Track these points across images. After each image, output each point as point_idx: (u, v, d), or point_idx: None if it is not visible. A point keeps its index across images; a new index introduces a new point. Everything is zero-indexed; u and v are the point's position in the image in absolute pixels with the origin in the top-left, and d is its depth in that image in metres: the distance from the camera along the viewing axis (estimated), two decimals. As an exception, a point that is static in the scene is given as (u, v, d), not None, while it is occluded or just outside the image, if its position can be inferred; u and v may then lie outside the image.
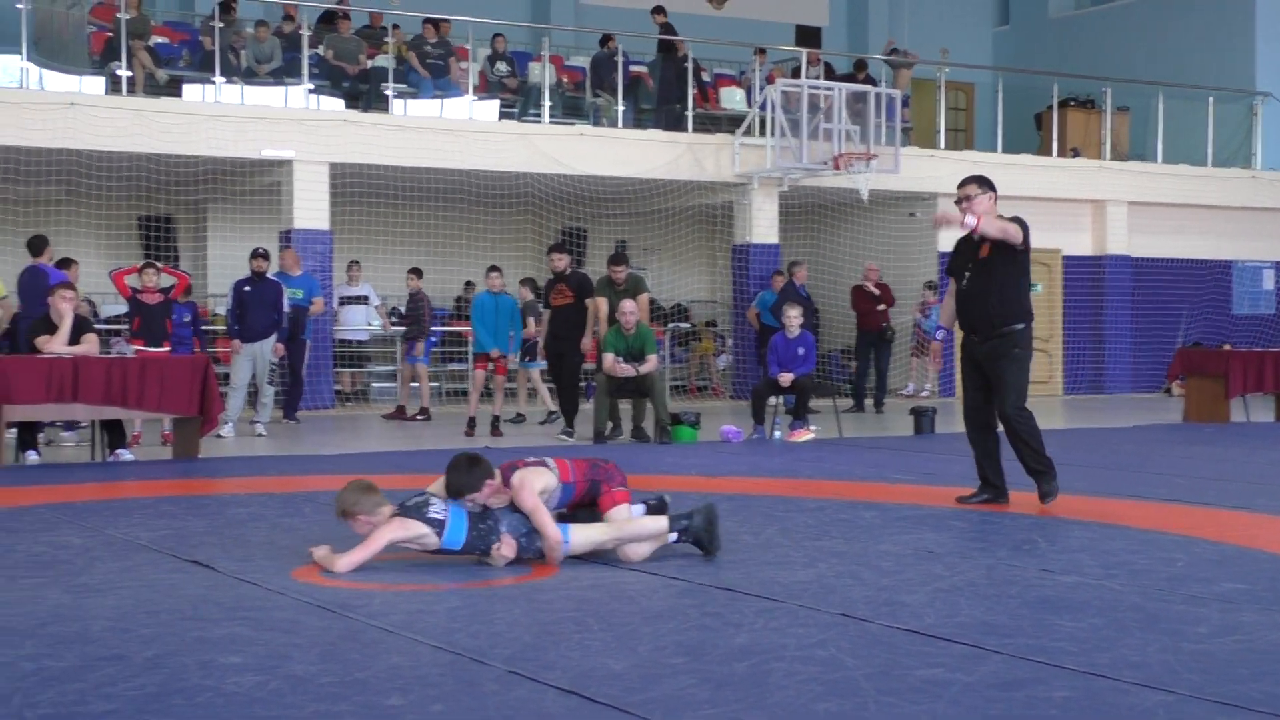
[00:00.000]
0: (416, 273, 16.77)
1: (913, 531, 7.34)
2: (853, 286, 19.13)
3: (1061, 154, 22.81)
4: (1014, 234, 8.16)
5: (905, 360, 21.56)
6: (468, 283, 20.95)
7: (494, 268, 14.83)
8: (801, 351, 13.84)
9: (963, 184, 8.42)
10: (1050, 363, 22.65)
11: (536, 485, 6.25)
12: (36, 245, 13.78)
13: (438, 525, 6.10)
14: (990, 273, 8.29)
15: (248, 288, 14.27)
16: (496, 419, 14.40)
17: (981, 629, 4.90)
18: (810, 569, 6.15)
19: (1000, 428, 8.44)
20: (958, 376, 9.11)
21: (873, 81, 21.10)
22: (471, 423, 14.29)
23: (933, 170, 21.13)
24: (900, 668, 4.37)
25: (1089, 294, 22.78)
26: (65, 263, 14.35)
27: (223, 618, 5.12)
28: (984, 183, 8.37)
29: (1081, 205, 22.62)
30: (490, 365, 14.28)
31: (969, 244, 8.46)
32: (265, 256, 14.46)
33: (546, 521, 6.19)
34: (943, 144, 22.13)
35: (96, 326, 12.66)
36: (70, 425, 13.58)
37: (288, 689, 4.13)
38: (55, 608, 5.31)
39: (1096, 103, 23.72)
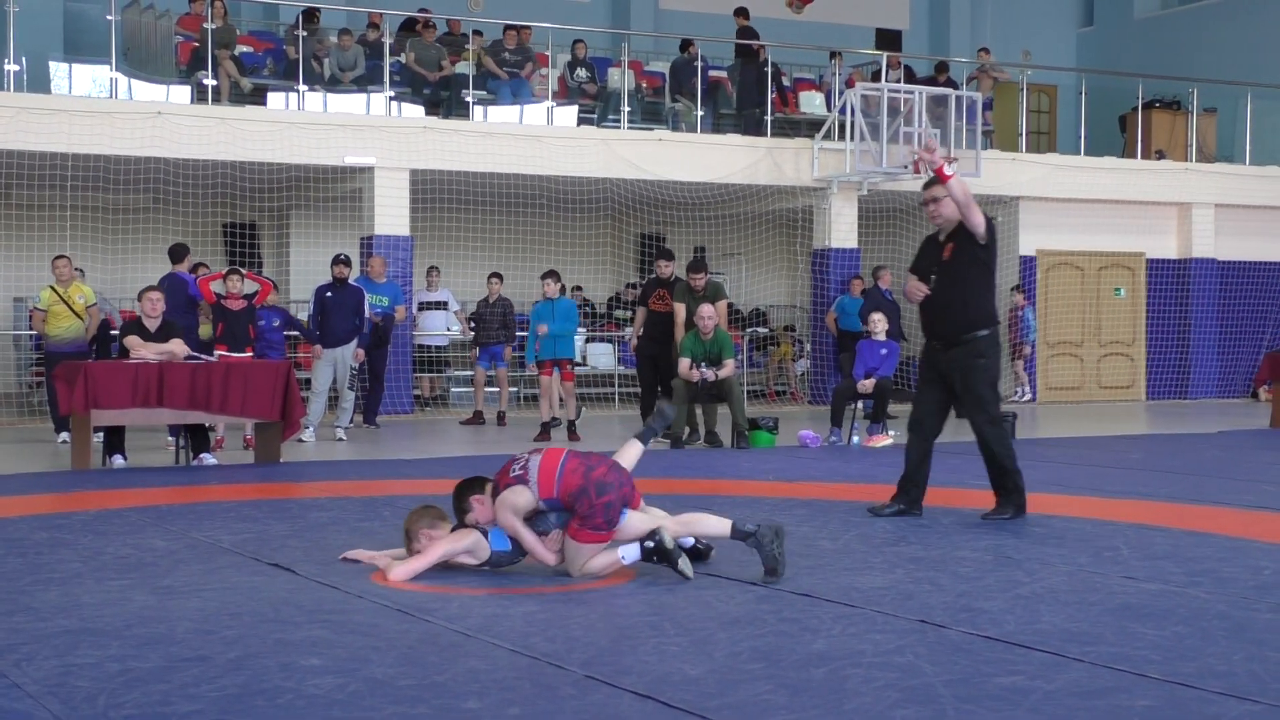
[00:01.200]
0: (498, 277, 16.76)
1: (992, 537, 7.27)
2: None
3: (1146, 156, 22.51)
4: (977, 218, 7.79)
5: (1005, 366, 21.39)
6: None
7: (549, 273, 14.76)
8: (884, 353, 13.80)
9: (929, 185, 8.09)
10: (1133, 367, 22.37)
11: (516, 504, 6.05)
12: (177, 253, 14.06)
13: (483, 531, 6.14)
14: (954, 276, 7.97)
15: (329, 293, 14.41)
16: (572, 424, 14.44)
17: (1062, 636, 4.85)
18: (888, 574, 6.12)
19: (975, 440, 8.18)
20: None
21: (954, 84, 20.94)
22: (545, 427, 14.34)
23: (1015, 173, 20.95)
24: (979, 675, 4.33)
25: (1174, 298, 22.46)
26: (194, 266, 14.57)
27: (303, 620, 5.17)
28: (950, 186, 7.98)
29: (1167, 208, 22.31)
30: (556, 371, 14.35)
31: (934, 245, 8.17)
32: (346, 263, 14.59)
33: (530, 543, 6.08)
34: (1024, 147, 21.92)
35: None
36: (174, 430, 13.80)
37: (367, 691, 4.16)
38: (141, 609, 5.39)
39: (1182, 104, 23.39)
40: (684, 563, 5.96)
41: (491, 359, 16.43)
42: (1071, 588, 5.81)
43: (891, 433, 13.79)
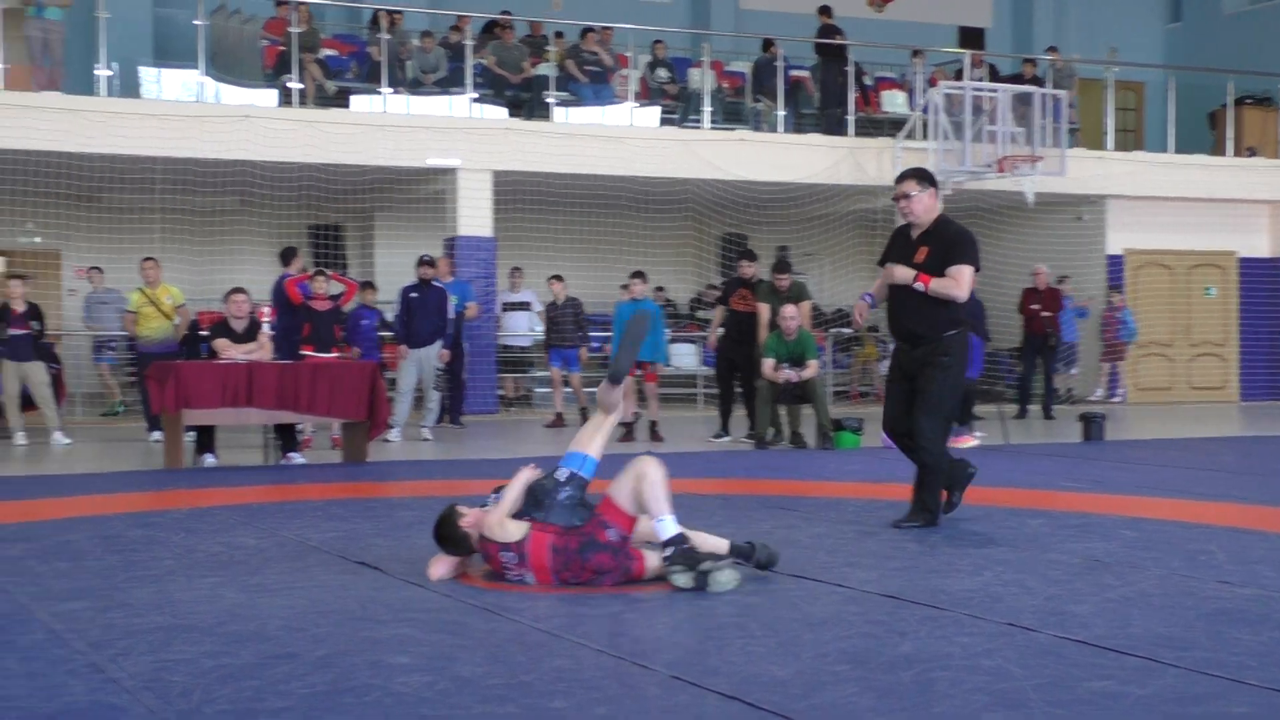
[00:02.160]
0: (559, 279, 16.58)
1: (1081, 540, 7.19)
2: (1024, 289, 18.73)
3: (1237, 153, 22.15)
4: (959, 292, 7.47)
5: (1094, 366, 21.14)
6: (623, 287, 21.04)
7: (636, 274, 14.77)
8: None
9: (901, 179, 7.74)
10: (1225, 368, 22.02)
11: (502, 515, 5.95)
12: (287, 255, 14.24)
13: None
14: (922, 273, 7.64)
15: (414, 294, 14.52)
16: (654, 424, 14.45)
17: (1155, 641, 4.78)
18: (976, 577, 6.06)
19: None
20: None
21: (1038, 82, 20.72)
22: (627, 427, 14.37)
23: (1101, 172, 20.70)
24: (1070, 679, 4.27)
25: (1266, 297, 22.08)
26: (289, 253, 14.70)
27: (391, 619, 5.21)
28: (924, 178, 7.72)
29: (1258, 206, 21.94)
30: (639, 372, 14.36)
31: (905, 240, 7.83)
32: (431, 264, 14.70)
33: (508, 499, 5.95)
34: (1111, 145, 21.65)
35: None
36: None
37: (454, 689, 4.19)
38: (232, 606, 5.46)
39: (1274, 100, 22.99)
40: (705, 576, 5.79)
41: (565, 361, 16.32)
42: (1164, 592, 5.73)
43: (978, 434, 13.68)
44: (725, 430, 14.36)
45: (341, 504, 9.00)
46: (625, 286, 14.85)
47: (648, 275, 15.19)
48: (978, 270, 7.65)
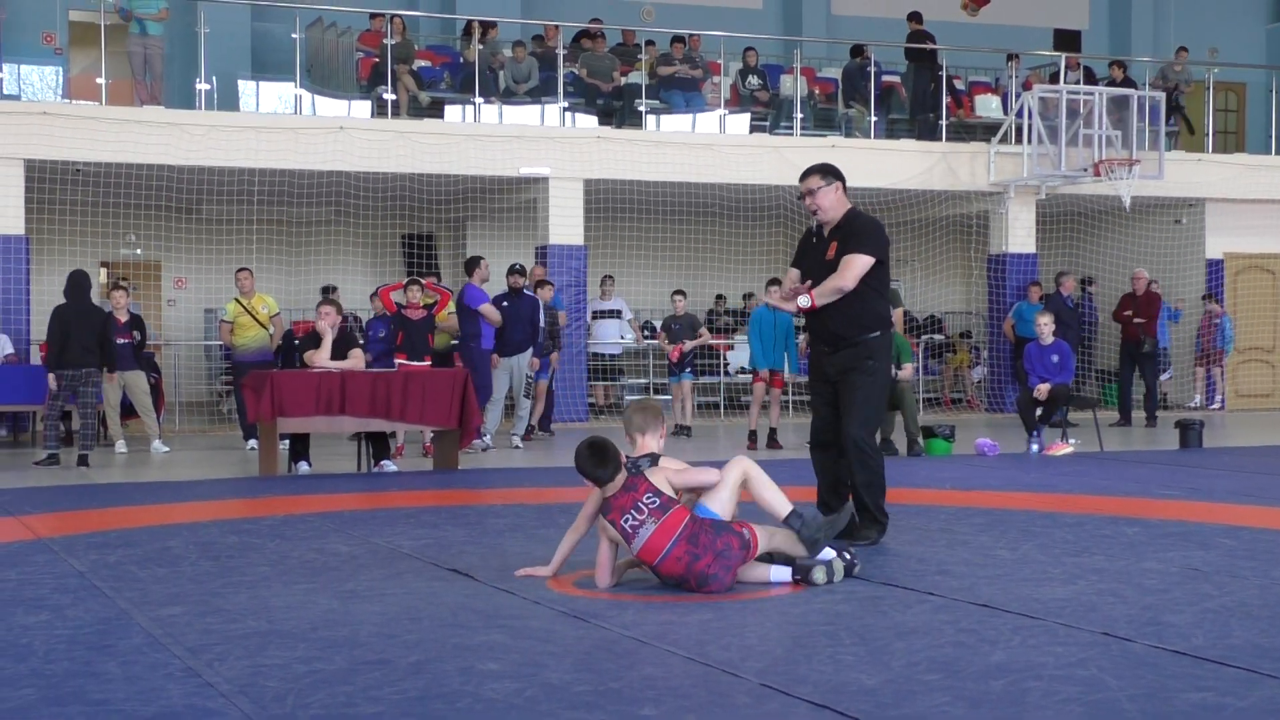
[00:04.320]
0: (682, 294, 16.35)
1: (1178, 549, 7.07)
2: (1122, 295, 18.45)
3: (1343, 155, 21.69)
4: (844, 282, 7.12)
5: (1189, 372, 20.81)
6: (718, 296, 21.05)
7: (773, 280, 14.74)
8: (1056, 359, 13.51)
9: (805, 175, 7.42)
10: (1275, 376, 21.55)
11: (605, 549, 6.05)
12: (469, 265, 14.41)
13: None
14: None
15: (505, 303, 14.60)
16: (773, 432, 14.40)
17: (1255, 652, 4.69)
18: (1069, 586, 5.99)
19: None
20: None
21: (1133, 84, 20.44)
22: (752, 436, 14.36)
23: (1200, 175, 20.37)
24: (1167, 690, 4.21)
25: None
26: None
27: (481, 625, 5.24)
28: (829, 172, 7.40)
29: (1363, 208, 21.47)
30: (769, 377, 14.36)
31: (814, 242, 7.52)
32: (522, 272, 14.76)
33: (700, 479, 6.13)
34: (1210, 147, 21.28)
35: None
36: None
37: (543, 696, 4.20)
38: (325, 612, 5.52)
39: (1379, 100, 22.48)
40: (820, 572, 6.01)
41: (677, 370, 16.23)
42: (1264, 602, 5.62)
43: (1073, 441, 13.52)
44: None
45: (432, 511, 9.07)
46: (748, 295, 14.79)
47: (734, 282, 15.16)
48: (882, 261, 7.25)
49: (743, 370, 14.57)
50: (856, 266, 7.19)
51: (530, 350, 14.61)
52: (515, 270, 14.79)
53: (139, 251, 19.85)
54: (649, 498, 5.90)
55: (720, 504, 6.11)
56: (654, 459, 6.10)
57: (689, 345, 15.79)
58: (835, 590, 5.88)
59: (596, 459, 5.99)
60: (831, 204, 7.38)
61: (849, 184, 7.62)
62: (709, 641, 4.94)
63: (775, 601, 5.72)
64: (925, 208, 20.11)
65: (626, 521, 5.90)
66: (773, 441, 14.26)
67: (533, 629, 5.18)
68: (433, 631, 5.13)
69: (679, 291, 16.32)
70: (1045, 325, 13.65)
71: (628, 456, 6.11)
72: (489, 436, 14.17)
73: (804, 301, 7.22)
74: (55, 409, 12.77)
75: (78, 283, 13.01)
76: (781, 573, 6.01)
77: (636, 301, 19.86)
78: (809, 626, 5.23)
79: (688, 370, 16.01)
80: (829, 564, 6.04)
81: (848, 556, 6.16)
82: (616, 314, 18.88)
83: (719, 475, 6.14)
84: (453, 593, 5.96)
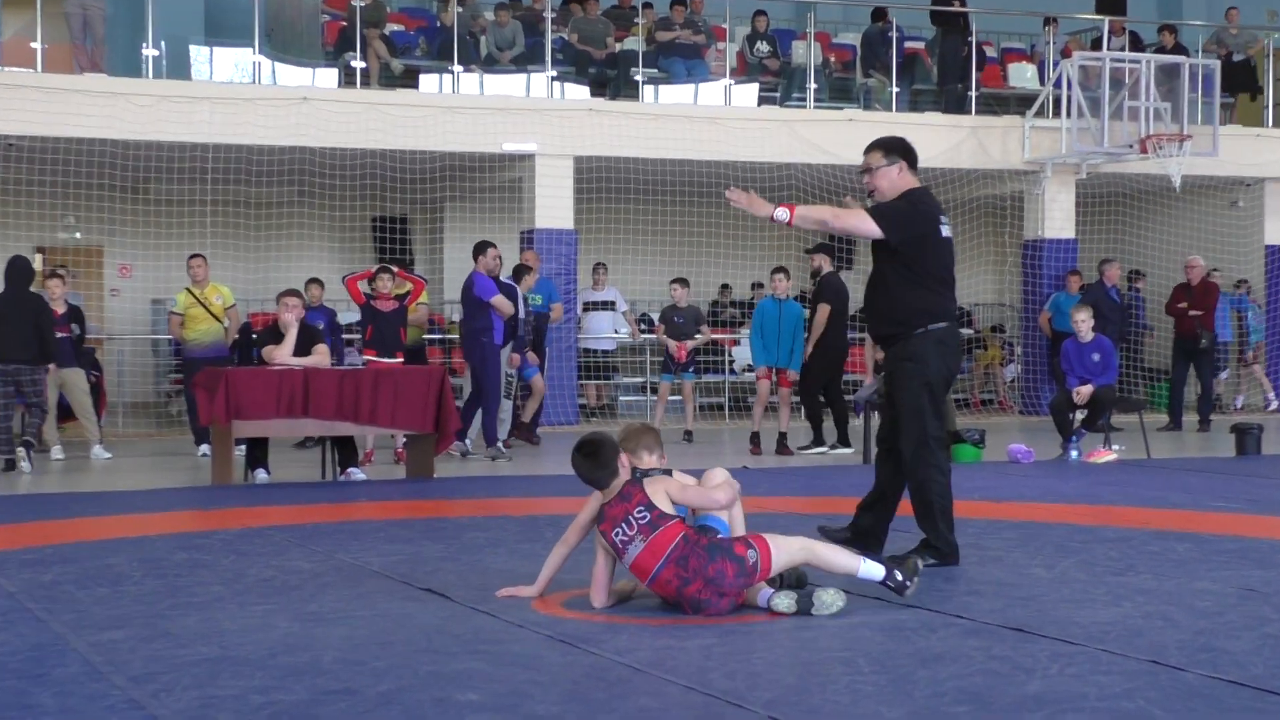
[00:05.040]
0: (682, 283, 16.27)
1: (1234, 567, 7.07)
2: (1175, 286, 18.38)
3: None
4: (837, 224, 7.12)
5: (1235, 370, 20.83)
6: (723, 286, 21.05)
7: (779, 269, 14.74)
8: (1097, 358, 13.51)
9: (867, 149, 7.39)
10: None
11: (600, 565, 6.06)
12: (477, 251, 14.35)
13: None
14: (879, 262, 7.33)
15: None
16: (783, 437, 14.40)
17: (1319, 682, 4.68)
18: (1113, 608, 5.98)
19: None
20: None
21: (1184, 51, 20.43)
22: (755, 438, 14.35)
23: (1259, 152, 20.37)
24: (1221, 724, 4.20)
25: None
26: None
27: (459, 651, 5.23)
28: (892, 150, 7.33)
29: None
30: (774, 377, 14.36)
31: None
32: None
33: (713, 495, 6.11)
34: (1270, 120, 21.28)
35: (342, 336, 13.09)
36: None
37: (527, 730, 4.20)
38: (285, 637, 5.51)
39: None
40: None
41: (678, 369, 16.15)
42: (1329, 626, 5.62)
43: (1117, 447, 13.53)
44: (820, 440, 14.46)
45: (405, 524, 9.06)
46: (756, 285, 14.76)
47: (738, 271, 15.16)
48: (900, 229, 7.12)
49: (749, 368, 14.54)
50: (855, 219, 7.15)
51: (509, 346, 14.55)
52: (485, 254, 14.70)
53: (78, 235, 19.83)
54: (640, 511, 5.88)
55: (730, 518, 6.13)
56: (666, 472, 6.10)
57: (692, 344, 15.72)
58: (852, 613, 5.87)
59: (590, 460, 6.00)
60: (890, 186, 7.31)
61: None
62: (711, 669, 4.93)
63: (785, 625, 5.71)
64: (953, 188, 20.11)
65: (618, 535, 5.90)
66: (782, 447, 14.25)
67: (515, 655, 5.17)
68: (404, 658, 5.12)
69: (679, 280, 16.23)
70: (1083, 322, 13.63)
71: (634, 467, 6.10)
72: (470, 441, 14.15)
73: (781, 214, 7.05)
74: (3, 410, 12.79)
75: (19, 269, 13.00)
76: (780, 601, 5.89)
77: (632, 292, 19.85)
78: (822, 653, 5.22)
79: (690, 370, 15.96)
80: (806, 595, 5.84)
81: (899, 578, 6.02)
82: (610, 305, 18.87)
83: (724, 498, 6.07)
84: (427, 615, 5.95)
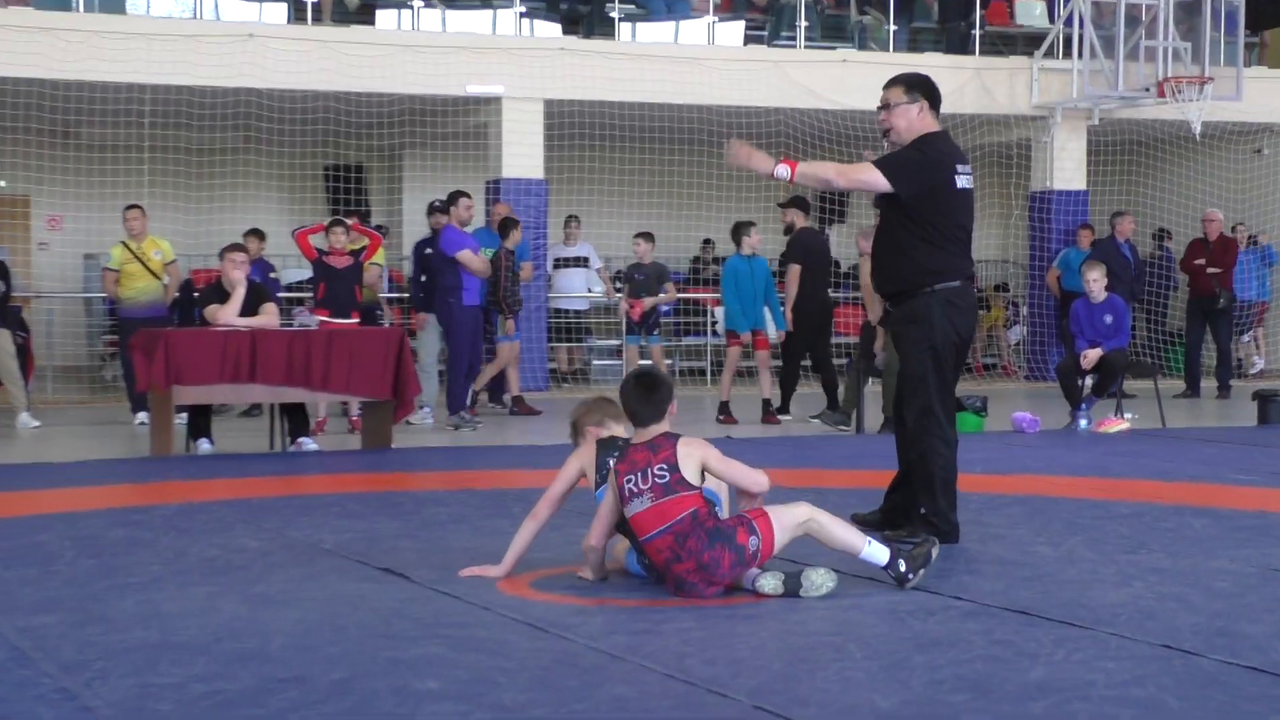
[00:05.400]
0: (646, 238, 16.25)
1: (1255, 544, 7.11)
2: (1191, 241, 18.44)
3: None
4: (842, 180, 7.27)
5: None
6: (705, 241, 21.04)
7: (746, 224, 14.71)
8: (1109, 320, 13.54)
9: (887, 84, 7.37)
10: None
11: (605, 524, 6.11)
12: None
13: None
14: (885, 213, 7.32)
15: (427, 250, 14.52)
16: (766, 404, 14.41)
17: (1344, 668, 4.72)
18: (1124, 589, 6.01)
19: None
20: None
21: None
22: (724, 408, 14.33)
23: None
24: (1240, 713, 4.23)
25: None
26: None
27: (419, 636, 5.24)
28: (914, 87, 7.35)
29: None
30: (751, 339, 14.37)
31: None
32: (445, 210, 14.49)
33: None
34: (1297, 63, 21.34)
35: (278, 295, 13.06)
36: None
37: (493, 721, 4.21)
38: (230, 621, 5.51)
39: None
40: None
41: (643, 331, 16.16)
42: (1355, 608, 5.66)
43: (1129, 415, 13.57)
44: (786, 408, 14.63)
45: (361, 499, 9.06)
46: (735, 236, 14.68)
47: (730, 224, 15.15)
48: (910, 182, 7.09)
49: (729, 332, 14.54)
50: (861, 172, 7.23)
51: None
52: (436, 209, 14.66)
53: (2, 184, 19.73)
54: (661, 470, 5.89)
55: (720, 488, 6.15)
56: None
57: (650, 302, 15.69)
58: (842, 594, 5.89)
59: (645, 392, 6.09)
60: (908, 126, 7.28)
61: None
62: (691, 655, 4.95)
63: (771, 608, 5.73)
64: (956, 135, 19.94)
65: (629, 482, 5.93)
66: (768, 415, 14.27)
67: (480, 640, 5.18)
68: (360, 643, 5.13)
69: (643, 234, 16.20)
70: (1095, 281, 13.63)
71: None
72: (428, 409, 14.15)
73: (782, 171, 7.04)
74: None
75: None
76: (766, 582, 5.92)
77: (607, 248, 19.82)
78: (811, 637, 5.24)
79: (655, 333, 15.97)
80: (793, 576, 5.88)
81: (902, 568, 5.97)
82: (583, 262, 18.84)
83: (765, 482, 6.07)
84: (384, 596, 5.96)
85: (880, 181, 7.12)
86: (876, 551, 5.99)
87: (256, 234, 15.32)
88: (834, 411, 14.01)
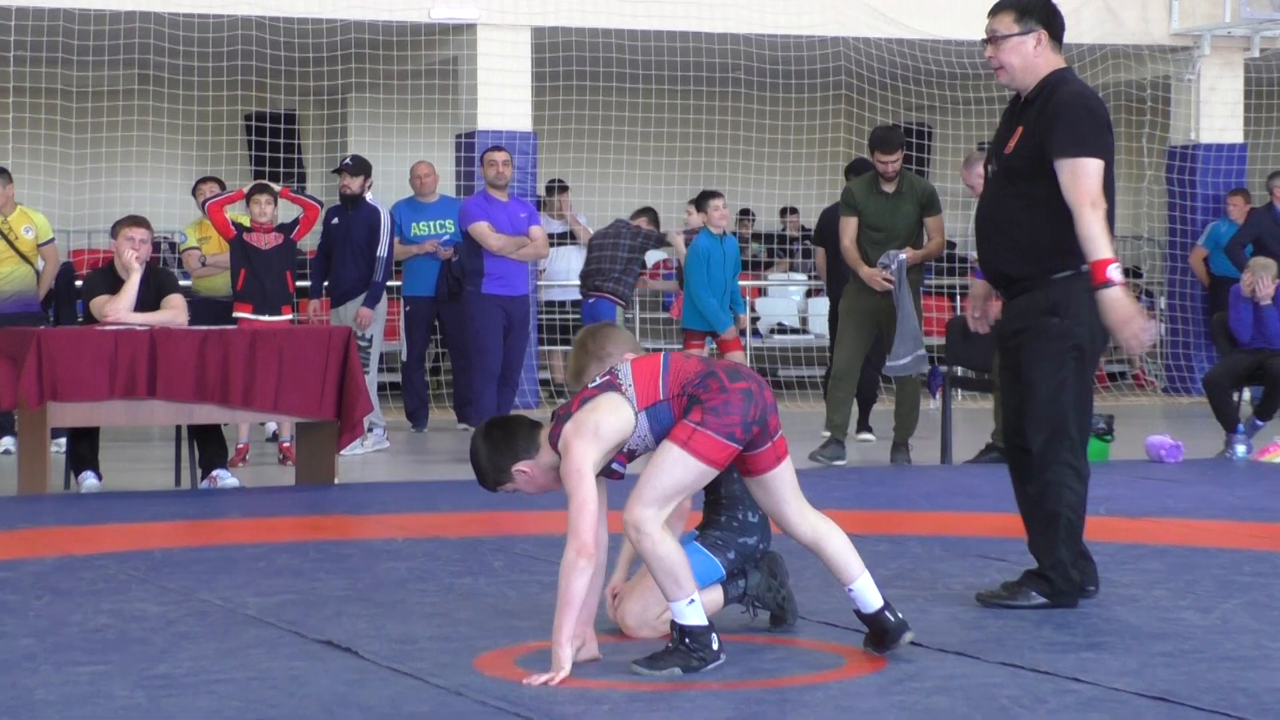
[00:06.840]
0: (648, 213, 16.19)
1: None
2: None
3: None
4: (1100, 205, 6.83)
5: None
6: (743, 212, 21.05)
7: (711, 193, 14.62)
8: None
9: (994, 10, 7.27)
10: None
11: (601, 426, 5.96)
12: (355, 169, 14.35)
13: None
14: (1013, 177, 7.18)
15: (334, 219, 14.51)
16: None
17: None
18: (1298, 668, 6.01)
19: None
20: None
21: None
22: None
23: None
24: None
25: None
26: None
27: (371, 729, 5.25)
28: (1028, 12, 7.22)
29: None
30: (712, 345, 14.44)
31: (1006, 118, 7.41)
32: (356, 171, 14.59)
33: (580, 523, 5.89)
34: None
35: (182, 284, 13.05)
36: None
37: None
38: (123, 711, 5.51)
39: None
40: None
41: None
42: None
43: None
44: (868, 426, 14.80)
45: (295, 550, 9.05)
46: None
47: (726, 194, 15.15)
48: (1109, 163, 7.06)
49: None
50: (1088, 181, 6.95)
51: (361, 297, 14.39)
52: (345, 168, 14.63)
53: None
54: (595, 387, 6.09)
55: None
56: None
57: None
58: (924, 674, 5.88)
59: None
60: (1024, 63, 7.21)
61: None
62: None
63: (830, 690, 5.73)
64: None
65: (596, 380, 6.13)
66: None
67: (451, 735, 5.19)
68: (294, 740, 5.14)
69: (644, 210, 16.14)
70: (1265, 285, 13.47)
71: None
72: (380, 430, 14.17)
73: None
74: None
75: None
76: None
77: (609, 219, 19.80)
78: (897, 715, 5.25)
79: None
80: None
81: (890, 621, 6.04)
82: (575, 239, 18.77)
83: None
84: (326, 678, 5.95)
85: (1096, 170, 6.96)
86: (868, 593, 6.06)
87: (215, 181, 15.22)
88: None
